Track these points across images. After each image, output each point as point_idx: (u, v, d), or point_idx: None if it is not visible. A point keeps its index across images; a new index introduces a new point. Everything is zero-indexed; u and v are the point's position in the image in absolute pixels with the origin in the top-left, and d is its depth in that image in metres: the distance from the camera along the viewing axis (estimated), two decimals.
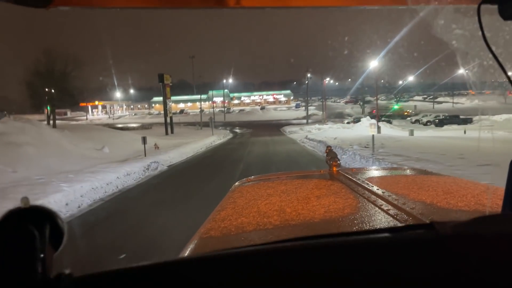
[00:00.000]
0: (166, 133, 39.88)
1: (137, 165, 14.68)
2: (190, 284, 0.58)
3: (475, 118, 38.93)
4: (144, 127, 53.85)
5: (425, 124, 42.89)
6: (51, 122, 34.78)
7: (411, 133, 24.24)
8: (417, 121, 45.95)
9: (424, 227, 0.67)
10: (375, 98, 37.28)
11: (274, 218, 1.42)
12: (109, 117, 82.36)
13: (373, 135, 16.78)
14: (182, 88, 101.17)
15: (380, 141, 19.18)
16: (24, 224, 0.52)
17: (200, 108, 57.29)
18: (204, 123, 45.49)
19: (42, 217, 0.55)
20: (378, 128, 26.97)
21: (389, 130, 26.60)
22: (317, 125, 38.17)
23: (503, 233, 0.63)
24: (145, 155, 17.08)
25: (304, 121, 57.10)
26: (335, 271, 0.58)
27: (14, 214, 0.53)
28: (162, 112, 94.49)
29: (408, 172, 2.74)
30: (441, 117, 40.65)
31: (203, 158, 18.99)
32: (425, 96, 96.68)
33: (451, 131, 29.79)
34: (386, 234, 0.68)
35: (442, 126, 38.39)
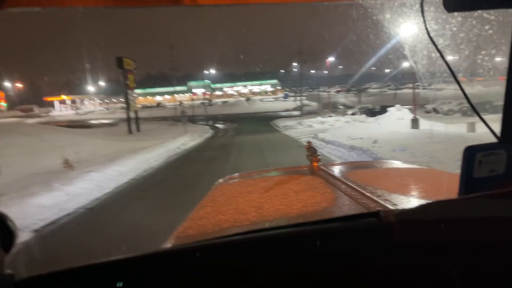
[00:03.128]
0: (130, 132, 31.59)
1: None
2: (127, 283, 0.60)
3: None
4: (110, 124, 45.51)
5: (446, 113, 35.51)
6: None
7: (471, 128, 16.46)
8: (434, 110, 38.57)
9: (371, 216, 0.72)
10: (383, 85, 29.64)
11: (251, 215, 1.43)
12: (76, 113, 73.12)
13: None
14: (161, 80, 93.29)
15: (447, 146, 11.42)
16: None
17: (178, 100, 48.77)
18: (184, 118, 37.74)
19: None
20: (416, 121, 19.23)
21: (429, 124, 18.85)
22: (319, 118, 30.09)
23: (443, 218, 0.65)
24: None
25: (296, 112, 49.47)
26: (286, 258, 0.64)
27: None
28: (140, 105, 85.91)
29: (386, 165, 2.69)
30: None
31: (138, 193, 9.65)
32: (418, 84, 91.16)
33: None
34: (338, 223, 0.74)
35: (471, 115, 30.95)
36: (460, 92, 1.07)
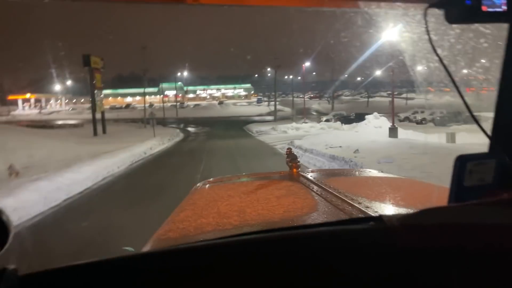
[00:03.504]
0: (95, 134, 29.93)
1: None
2: (135, 281, 0.60)
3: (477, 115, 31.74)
4: (75, 125, 43.40)
5: (420, 122, 35.53)
6: None
7: (451, 139, 15.96)
8: (406, 118, 38.63)
9: (374, 220, 0.73)
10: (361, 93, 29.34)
11: (234, 219, 1.41)
12: (39, 112, 69.82)
13: None
14: (133, 81, 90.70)
15: (435, 158, 10.74)
16: None
17: (144, 102, 46.91)
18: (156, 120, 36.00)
19: None
20: (395, 130, 18.66)
21: (407, 134, 18.34)
22: (293, 124, 29.24)
23: (444, 223, 0.69)
24: None
25: (269, 117, 48.81)
26: (285, 261, 0.64)
27: None
28: (108, 107, 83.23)
29: (364, 173, 2.72)
30: (444, 114, 33.02)
31: (90, 207, 8.23)
32: (389, 92, 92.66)
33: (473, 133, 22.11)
34: (341, 226, 0.75)
35: (444, 125, 30.93)
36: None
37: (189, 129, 37.48)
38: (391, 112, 20.09)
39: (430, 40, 0.96)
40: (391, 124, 19.88)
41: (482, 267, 0.65)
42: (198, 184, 2.37)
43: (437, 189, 1.78)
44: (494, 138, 1.00)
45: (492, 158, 0.94)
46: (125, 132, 32.10)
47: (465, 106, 1.03)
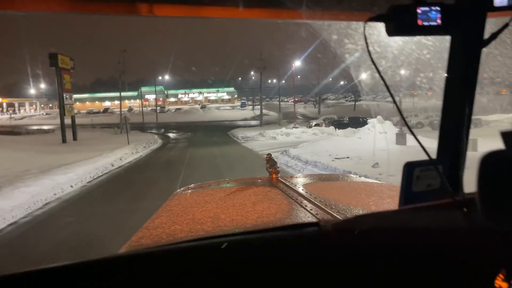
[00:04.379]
0: (64, 141, 27.01)
1: None
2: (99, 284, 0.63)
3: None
4: (46, 131, 40.30)
5: (414, 126, 33.72)
6: None
7: (472, 146, 13.79)
8: (399, 122, 36.71)
9: (311, 225, 0.79)
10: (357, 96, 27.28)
11: (207, 225, 1.43)
12: (10, 117, 65.78)
13: None
14: (112, 85, 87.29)
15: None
16: None
17: (121, 106, 43.83)
18: (133, 125, 32.75)
19: None
20: (403, 136, 16.33)
21: (413, 140, 16.04)
22: (283, 129, 26.61)
23: (376, 228, 0.73)
24: None
25: (254, 122, 46.44)
26: (229, 265, 0.69)
27: None
28: (84, 111, 79.34)
29: (343, 178, 2.73)
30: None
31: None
32: (374, 96, 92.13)
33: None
34: (283, 232, 0.80)
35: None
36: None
37: (169, 135, 34.66)
38: (399, 116, 17.78)
39: (368, 51, 0.98)
40: (398, 129, 17.63)
41: (415, 269, 0.68)
42: (177, 190, 2.36)
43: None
44: (441, 145, 1.06)
45: (439, 164, 0.97)
46: (97, 139, 29.32)
47: (399, 114, 1.52)
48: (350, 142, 15.87)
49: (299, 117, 50.78)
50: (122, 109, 66.52)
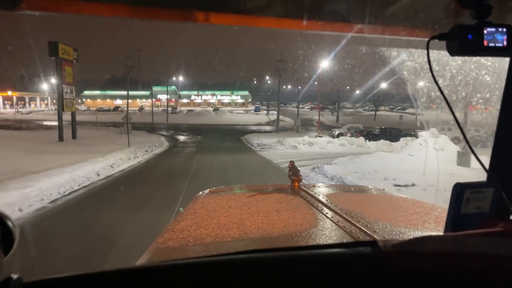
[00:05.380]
0: (60, 139, 24.35)
1: None
2: None
3: None
4: (47, 127, 37.92)
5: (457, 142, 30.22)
6: None
7: None
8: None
9: (369, 244, 0.74)
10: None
11: (233, 231, 1.41)
12: (16, 112, 63.90)
13: None
14: (126, 83, 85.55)
15: None
16: None
17: (127, 104, 41.17)
18: (141, 126, 30.41)
19: None
20: (466, 156, 13.00)
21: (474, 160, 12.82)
22: (305, 138, 23.33)
23: (437, 252, 0.71)
24: None
25: (269, 128, 43.56)
26: (285, 283, 0.65)
27: None
28: (95, 108, 77.06)
29: (366, 190, 2.66)
30: (480, 132, 27.72)
31: None
32: (392, 106, 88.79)
33: None
34: (335, 250, 0.75)
35: (486, 146, 25.58)
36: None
37: (177, 137, 31.84)
38: (460, 131, 14.51)
39: (431, 69, 1.01)
40: (458, 146, 14.38)
41: None
42: (200, 193, 2.32)
43: (436, 212, 1.75)
44: (493, 167, 1.04)
45: (490, 187, 0.95)
46: (99, 138, 26.63)
47: (460, 130, 1.11)
48: (400, 159, 12.61)
49: (315, 124, 47.74)
50: (133, 108, 64.34)
